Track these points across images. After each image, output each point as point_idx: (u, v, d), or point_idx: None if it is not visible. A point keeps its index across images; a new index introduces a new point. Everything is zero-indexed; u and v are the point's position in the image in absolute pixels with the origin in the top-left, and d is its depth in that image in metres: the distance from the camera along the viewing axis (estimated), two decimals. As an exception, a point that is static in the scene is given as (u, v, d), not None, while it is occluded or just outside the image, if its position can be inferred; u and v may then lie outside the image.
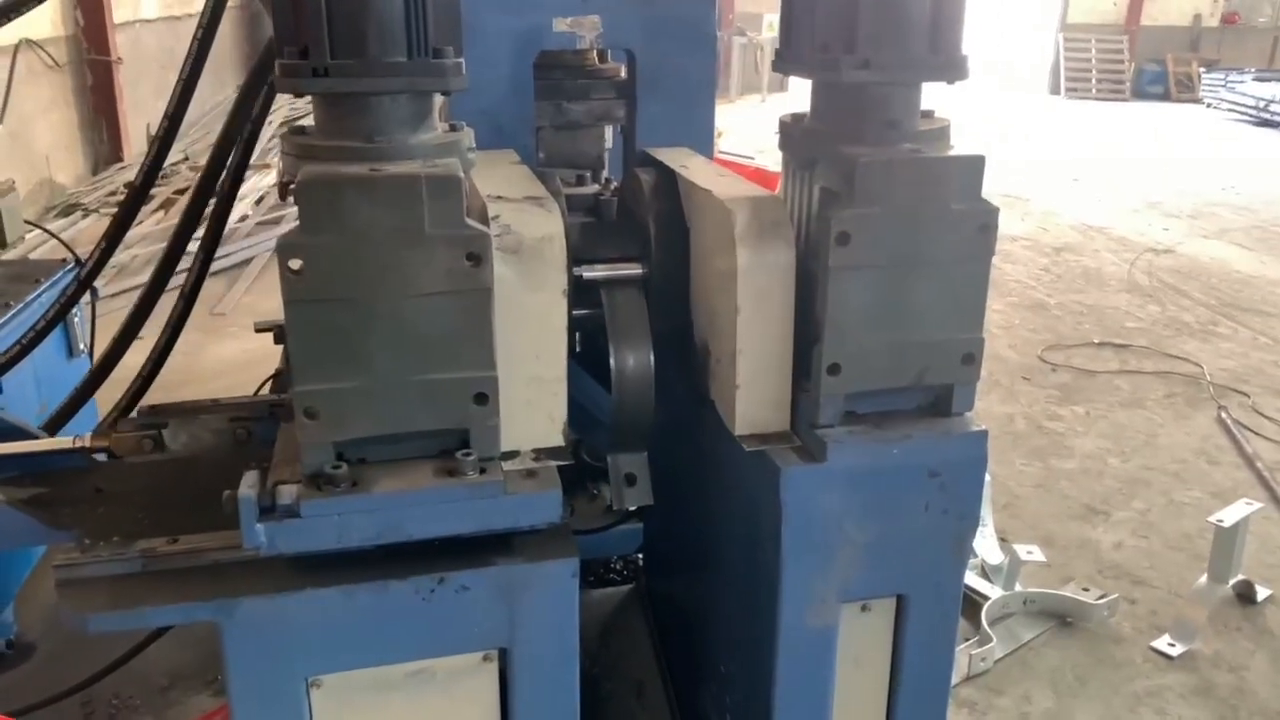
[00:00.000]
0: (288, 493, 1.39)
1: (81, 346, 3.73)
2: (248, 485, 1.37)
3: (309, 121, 1.55)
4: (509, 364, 1.51)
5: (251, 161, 2.68)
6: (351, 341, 1.40)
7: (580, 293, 1.92)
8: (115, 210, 2.68)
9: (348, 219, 1.34)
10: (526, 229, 1.53)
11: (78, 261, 3.48)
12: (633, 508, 1.92)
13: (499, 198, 1.59)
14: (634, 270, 1.89)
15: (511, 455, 1.56)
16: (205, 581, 1.45)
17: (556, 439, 1.60)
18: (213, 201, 2.59)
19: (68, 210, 8.95)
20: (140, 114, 10.68)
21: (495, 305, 1.45)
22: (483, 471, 1.47)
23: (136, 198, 2.61)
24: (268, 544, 1.39)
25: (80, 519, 1.60)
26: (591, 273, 1.86)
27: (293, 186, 1.36)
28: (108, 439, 1.75)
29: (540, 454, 1.58)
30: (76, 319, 3.64)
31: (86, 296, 3.41)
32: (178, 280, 2.69)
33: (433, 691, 1.56)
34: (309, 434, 1.41)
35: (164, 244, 2.69)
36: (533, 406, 1.58)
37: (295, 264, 1.35)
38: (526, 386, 1.56)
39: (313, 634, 1.47)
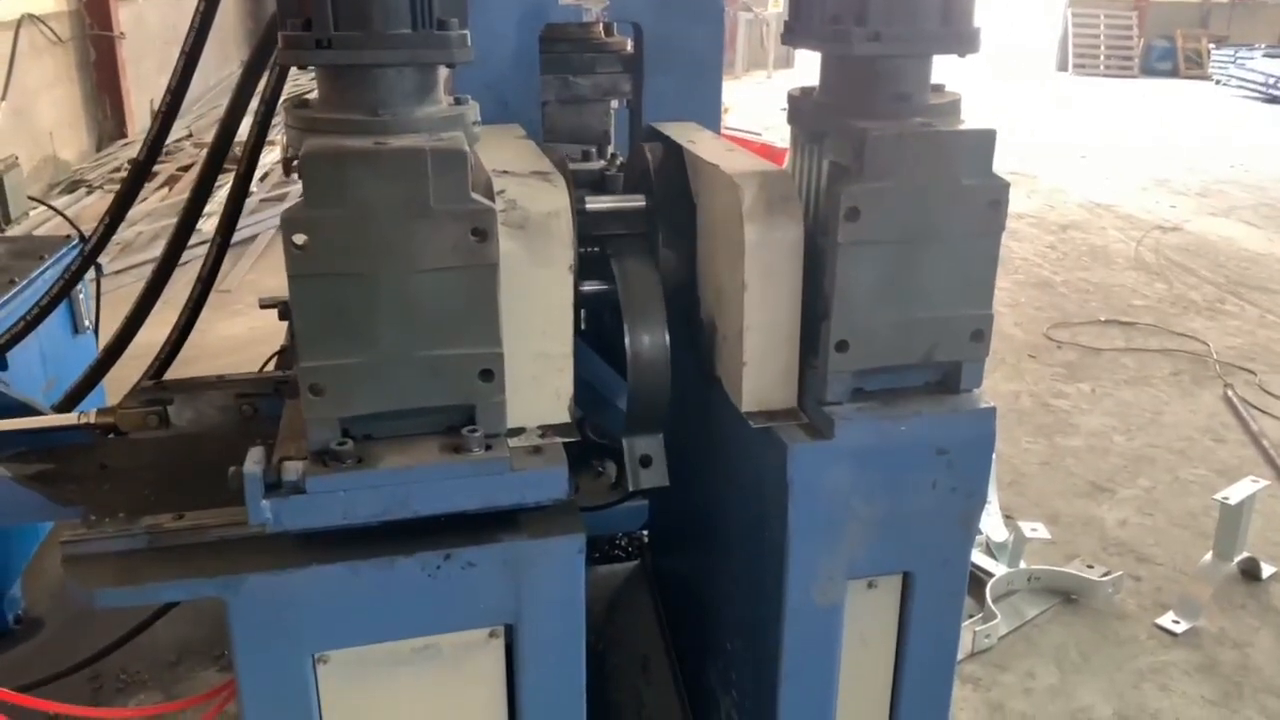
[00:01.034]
0: (293, 469, 1.39)
1: (87, 323, 3.73)
2: (253, 461, 1.37)
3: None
4: (515, 340, 1.50)
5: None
6: (357, 317, 1.39)
7: (589, 268, 1.91)
8: (119, 187, 2.67)
9: (352, 193, 1.33)
10: (533, 204, 1.51)
11: (82, 238, 3.47)
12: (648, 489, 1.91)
13: (505, 172, 1.58)
14: (638, 202, 1.87)
15: (518, 432, 1.55)
16: (211, 558, 1.45)
17: (563, 415, 1.59)
18: (224, 179, 2.57)
19: (72, 187, 8.94)
20: (144, 90, 10.64)
21: (501, 281, 1.44)
22: (488, 448, 1.47)
23: (139, 173, 2.59)
24: (273, 520, 1.38)
25: (86, 495, 1.60)
26: (596, 204, 1.84)
27: (297, 160, 1.35)
28: (113, 415, 1.75)
29: (546, 430, 1.58)
30: (81, 295, 3.64)
31: (91, 273, 3.40)
32: (188, 256, 2.68)
33: (439, 667, 1.56)
34: (314, 410, 1.41)
35: (169, 221, 2.68)
36: (539, 383, 1.57)
37: (300, 239, 1.34)
38: (533, 363, 1.55)
39: (319, 610, 1.47)
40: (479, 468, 1.45)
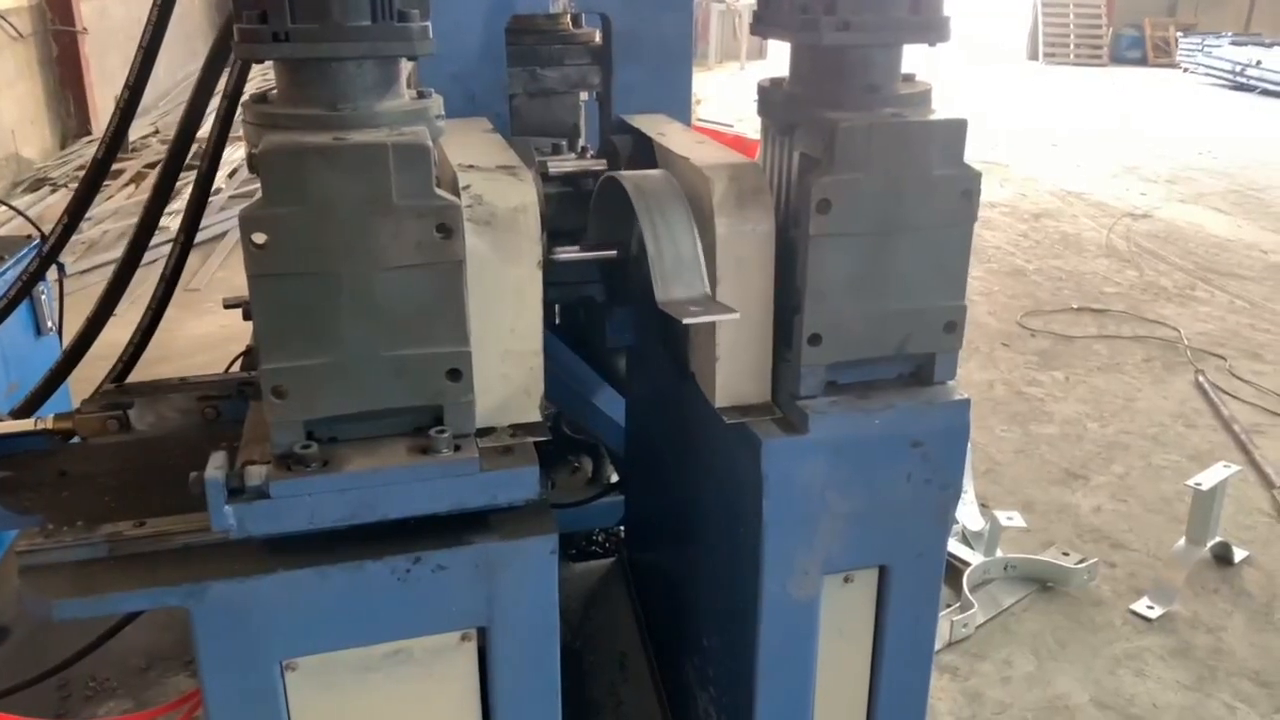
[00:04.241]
0: (256, 474, 1.35)
1: (49, 324, 3.65)
2: (215, 466, 1.34)
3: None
4: (484, 338, 1.47)
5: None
6: (319, 317, 1.36)
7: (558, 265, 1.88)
8: (78, 185, 2.61)
9: (312, 190, 1.30)
10: (499, 199, 1.48)
11: (43, 237, 3.40)
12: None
13: (470, 167, 1.55)
14: (609, 253, 1.86)
15: (488, 432, 1.53)
16: (173, 566, 1.41)
17: (534, 414, 1.57)
18: (185, 176, 2.53)
19: (35, 185, 8.79)
20: (108, 86, 10.46)
21: (468, 278, 1.41)
22: (457, 449, 1.44)
23: (99, 171, 2.54)
24: (237, 527, 1.35)
25: (44, 503, 1.56)
26: (566, 254, 1.82)
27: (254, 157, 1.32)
28: (71, 420, 1.71)
29: (517, 430, 1.55)
30: (43, 296, 3.57)
31: (54, 274, 3.33)
32: (151, 255, 2.62)
33: (411, 672, 1.54)
34: (277, 413, 1.38)
35: (135, 219, 2.62)
36: (509, 381, 1.54)
37: (259, 238, 1.30)
38: (502, 361, 1.53)
39: (286, 616, 1.44)
40: (447, 469, 1.43)
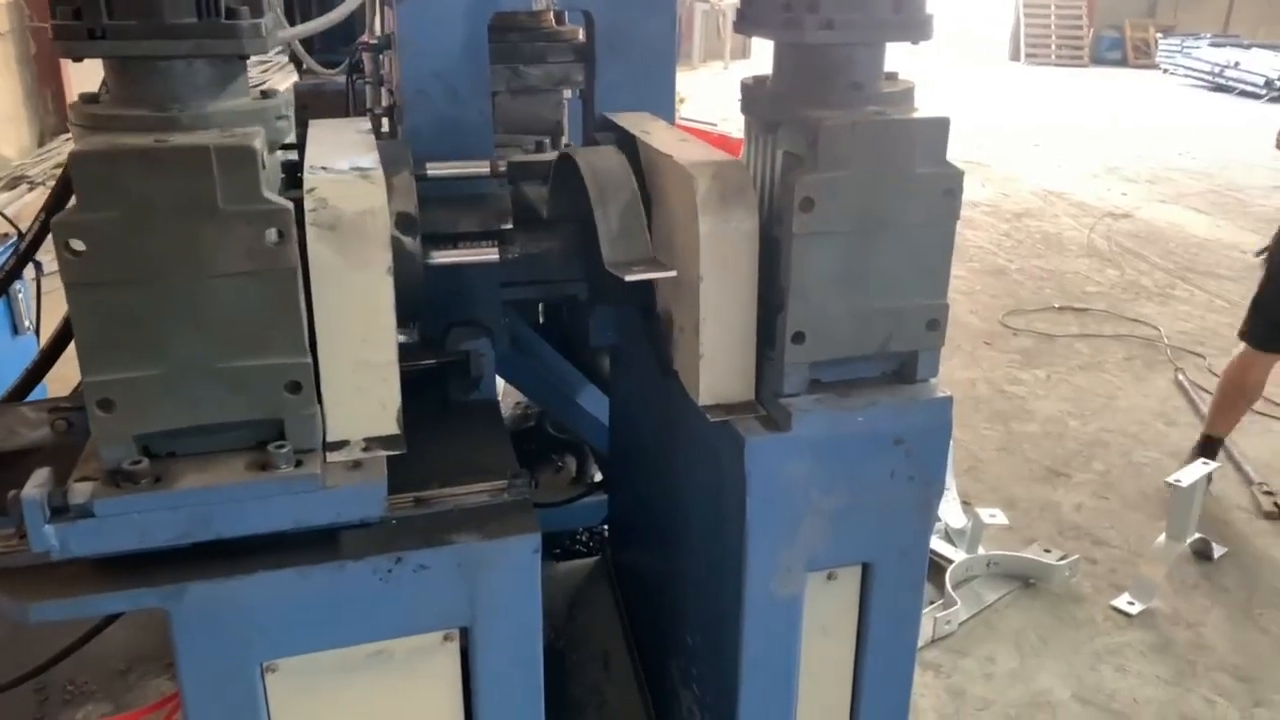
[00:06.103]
0: (81, 491, 1.29)
1: (27, 323, 3.62)
2: (35, 484, 1.27)
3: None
4: (334, 349, 1.42)
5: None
6: (146, 327, 1.29)
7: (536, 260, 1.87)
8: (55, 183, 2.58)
9: (130, 195, 1.24)
10: (345, 203, 1.39)
11: (20, 235, 3.36)
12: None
13: (321, 169, 1.46)
14: (491, 254, 1.85)
15: (340, 445, 1.46)
16: (152, 566, 1.39)
17: (390, 427, 1.49)
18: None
19: (13, 183, 8.71)
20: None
21: (315, 286, 1.36)
22: (299, 464, 1.38)
23: (77, 168, 2.51)
24: (59, 547, 1.29)
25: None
26: (443, 258, 1.78)
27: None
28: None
29: (371, 443, 1.48)
30: (20, 295, 3.53)
31: (31, 272, 3.30)
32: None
33: (392, 673, 1.53)
34: (104, 427, 1.31)
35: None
36: (363, 393, 1.47)
37: (77, 244, 1.24)
38: (354, 372, 1.45)
39: (266, 617, 1.42)
40: (286, 486, 1.36)
